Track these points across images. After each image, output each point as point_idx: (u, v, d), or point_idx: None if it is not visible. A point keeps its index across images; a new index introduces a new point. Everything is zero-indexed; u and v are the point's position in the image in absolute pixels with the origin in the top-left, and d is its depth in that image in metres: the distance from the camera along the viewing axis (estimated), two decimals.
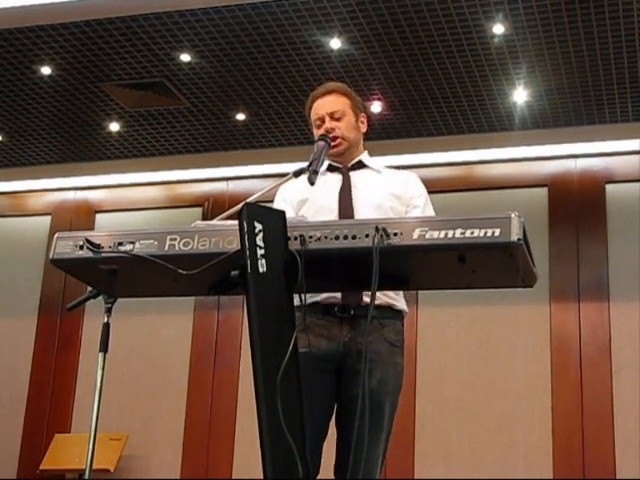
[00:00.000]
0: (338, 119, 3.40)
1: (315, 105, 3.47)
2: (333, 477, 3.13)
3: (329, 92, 3.48)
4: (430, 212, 3.35)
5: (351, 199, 3.28)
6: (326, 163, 3.47)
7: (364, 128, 3.52)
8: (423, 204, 3.34)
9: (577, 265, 7.18)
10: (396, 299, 3.23)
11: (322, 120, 3.41)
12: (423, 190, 3.41)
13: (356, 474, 2.91)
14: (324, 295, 3.13)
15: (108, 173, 8.50)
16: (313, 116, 3.45)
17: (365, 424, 2.71)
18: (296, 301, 2.56)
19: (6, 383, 8.34)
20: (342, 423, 3.15)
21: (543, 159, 7.50)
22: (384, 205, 3.24)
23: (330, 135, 3.35)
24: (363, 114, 3.53)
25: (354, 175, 3.40)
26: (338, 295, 3.13)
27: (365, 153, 3.51)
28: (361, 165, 3.45)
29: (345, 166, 3.44)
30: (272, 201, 3.35)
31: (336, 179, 3.39)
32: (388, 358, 3.15)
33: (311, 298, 2.96)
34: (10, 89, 7.09)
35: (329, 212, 3.23)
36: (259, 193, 3.14)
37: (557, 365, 7.00)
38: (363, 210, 3.23)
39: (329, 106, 3.42)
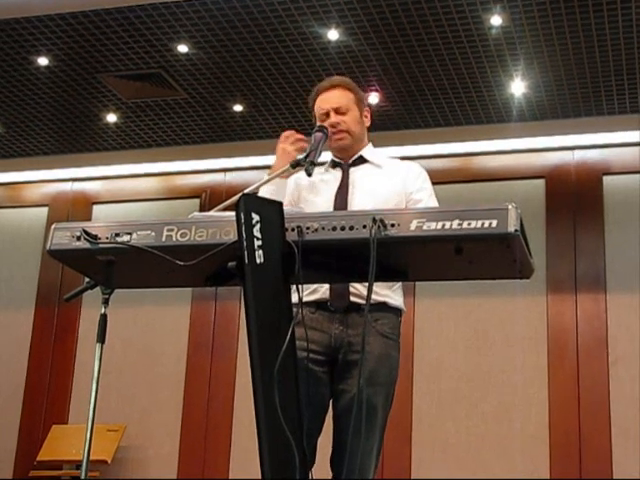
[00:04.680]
0: (343, 114, 3.41)
1: (320, 98, 3.47)
2: (329, 469, 3.14)
3: (334, 86, 3.48)
4: (433, 204, 3.31)
5: (346, 201, 3.28)
6: (329, 158, 3.48)
7: (368, 122, 3.53)
8: (427, 198, 3.32)
9: (574, 257, 7.18)
10: (391, 296, 3.23)
11: (327, 115, 3.41)
12: (424, 183, 3.38)
13: (351, 466, 2.93)
14: (316, 295, 3.16)
15: (105, 164, 8.50)
16: (318, 110, 3.46)
17: (352, 416, 2.73)
18: (293, 299, 2.57)
19: (3, 374, 8.34)
20: (336, 416, 3.16)
21: (540, 151, 7.50)
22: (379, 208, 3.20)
23: (336, 129, 3.36)
24: (367, 108, 3.54)
25: (354, 172, 3.40)
26: (328, 293, 3.16)
27: (368, 146, 3.51)
28: (362, 160, 3.45)
29: (346, 162, 3.43)
30: None
31: (336, 177, 3.40)
32: (381, 350, 3.15)
33: (303, 298, 2.97)
34: (7, 80, 7.08)
35: None
36: (257, 184, 3.15)
37: (554, 356, 7.01)
38: None
39: (334, 101, 3.42)
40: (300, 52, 6.49)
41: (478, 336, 7.24)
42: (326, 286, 3.15)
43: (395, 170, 3.42)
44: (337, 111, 3.41)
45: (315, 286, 3.14)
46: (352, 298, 3.14)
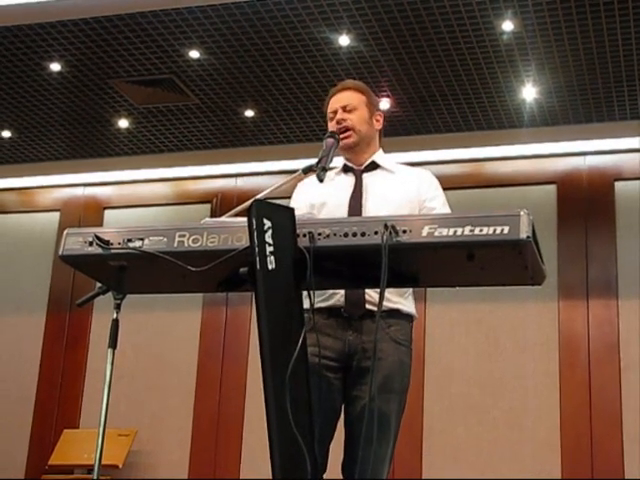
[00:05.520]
0: (350, 111, 3.41)
1: (331, 100, 3.49)
2: (340, 476, 3.13)
3: (346, 88, 3.50)
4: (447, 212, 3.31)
5: (360, 207, 3.28)
6: (341, 162, 3.47)
7: (379, 125, 3.51)
8: (440, 206, 3.31)
9: (586, 263, 7.17)
10: (403, 303, 3.23)
11: (335, 113, 3.42)
12: (437, 190, 3.39)
13: (363, 473, 2.92)
14: (330, 302, 3.15)
15: (117, 169, 8.52)
16: (328, 111, 3.47)
17: (365, 423, 2.72)
18: (305, 304, 2.57)
19: (15, 379, 8.36)
20: (349, 422, 3.15)
21: (552, 156, 7.49)
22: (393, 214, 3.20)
23: (341, 126, 3.36)
24: (379, 112, 3.52)
25: (367, 177, 3.39)
26: (342, 300, 3.15)
27: (379, 152, 3.50)
28: (374, 166, 3.45)
29: (358, 168, 3.43)
30: (281, 198, 3.35)
31: (349, 182, 3.39)
32: (393, 356, 3.14)
33: (317, 304, 2.96)
34: (20, 85, 7.10)
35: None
36: (268, 190, 3.15)
37: (565, 363, 6.99)
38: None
39: (343, 100, 3.44)
40: (311, 58, 6.50)
41: (489, 342, 7.23)
42: (341, 293, 3.14)
43: (408, 176, 3.41)
44: (344, 109, 3.41)
45: (329, 292, 3.13)
46: (367, 306, 3.13)
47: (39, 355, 8.38)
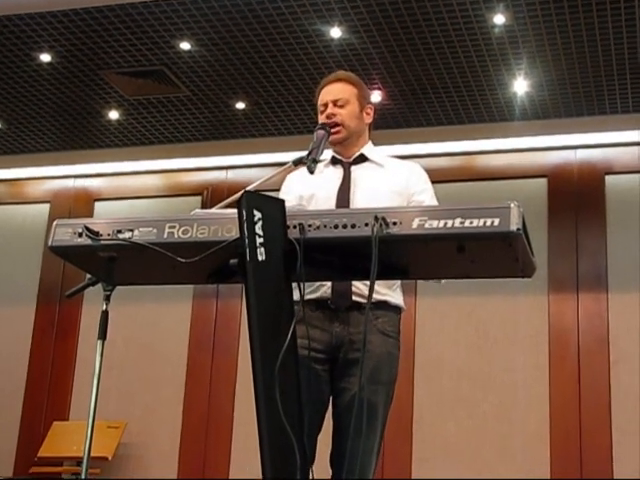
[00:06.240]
0: (341, 106, 3.38)
1: (322, 91, 3.46)
2: (328, 466, 3.13)
3: (337, 80, 3.47)
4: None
5: (349, 200, 3.27)
6: (329, 154, 3.46)
7: (369, 119, 3.49)
8: (428, 199, 3.31)
9: (576, 256, 7.18)
10: (391, 295, 3.22)
11: (326, 106, 3.40)
12: (426, 184, 3.38)
13: (352, 465, 2.92)
14: (317, 294, 3.15)
15: (107, 161, 8.50)
16: (319, 102, 3.45)
17: (353, 415, 2.73)
18: (295, 296, 2.56)
19: (5, 371, 8.34)
20: (337, 414, 3.16)
21: (543, 150, 7.50)
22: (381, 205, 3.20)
23: (330, 121, 3.35)
24: (370, 105, 3.50)
25: (355, 170, 3.38)
26: (329, 292, 3.14)
27: (368, 145, 3.48)
28: (363, 159, 3.44)
29: (347, 160, 3.43)
30: (271, 190, 3.34)
31: (337, 175, 3.38)
32: (381, 348, 3.14)
33: (306, 296, 2.96)
34: (9, 76, 7.08)
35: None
36: (259, 181, 3.14)
37: (555, 356, 7.01)
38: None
39: (334, 93, 3.41)
40: (303, 50, 6.49)
41: (479, 335, 7.24)
42: (327, 285, 3.13)
43: (397, 170, 3.40)
44: (335, 103, 3.39)
45: (316, 284, 3.13)
46: (354, 297, 3.13)
47: (29, 347, 8.37)
